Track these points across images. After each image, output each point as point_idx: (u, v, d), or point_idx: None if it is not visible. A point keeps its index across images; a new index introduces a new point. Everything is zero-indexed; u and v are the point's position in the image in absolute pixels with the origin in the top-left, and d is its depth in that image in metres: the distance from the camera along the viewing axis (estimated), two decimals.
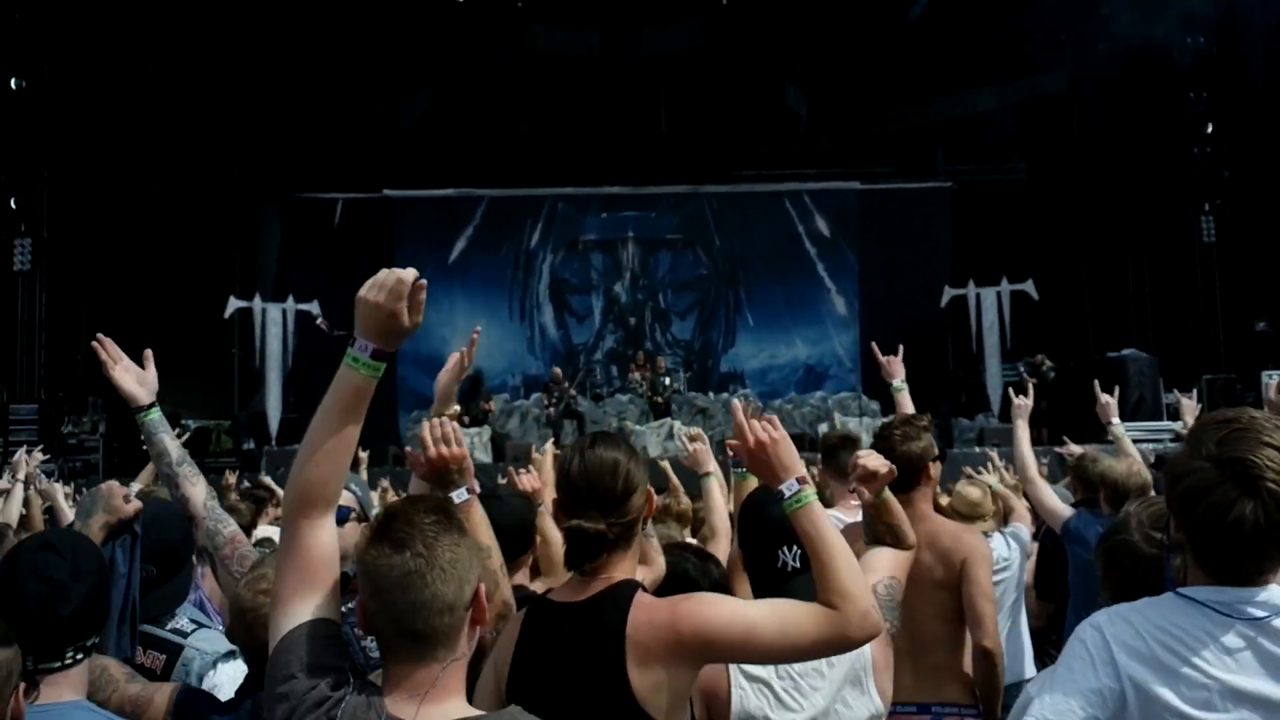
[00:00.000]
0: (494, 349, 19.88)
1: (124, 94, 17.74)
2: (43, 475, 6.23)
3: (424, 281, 1.89)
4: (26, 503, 5.35)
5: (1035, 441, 5.30)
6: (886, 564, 2.61)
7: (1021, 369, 16.65)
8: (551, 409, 16.45)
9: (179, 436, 2.98)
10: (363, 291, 1.89)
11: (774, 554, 2.73)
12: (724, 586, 2.91)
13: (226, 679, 2.67)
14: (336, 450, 1.91)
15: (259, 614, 2.22)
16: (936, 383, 18.59)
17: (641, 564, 2.50)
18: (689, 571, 2.92)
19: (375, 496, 6.13)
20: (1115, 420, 5.07)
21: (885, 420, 4.46)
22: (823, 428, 15.90)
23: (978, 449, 13.52)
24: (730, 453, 3.22)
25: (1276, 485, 1.75)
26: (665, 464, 6.43)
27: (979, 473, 5.61)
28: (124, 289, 18.05)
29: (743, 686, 2.59)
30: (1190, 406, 5.52)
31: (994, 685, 3.57)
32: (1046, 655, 4.70)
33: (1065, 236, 20.05)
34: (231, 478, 8.40)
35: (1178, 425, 14.16)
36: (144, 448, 3.01)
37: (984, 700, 3.59)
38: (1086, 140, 19.10)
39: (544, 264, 20.45)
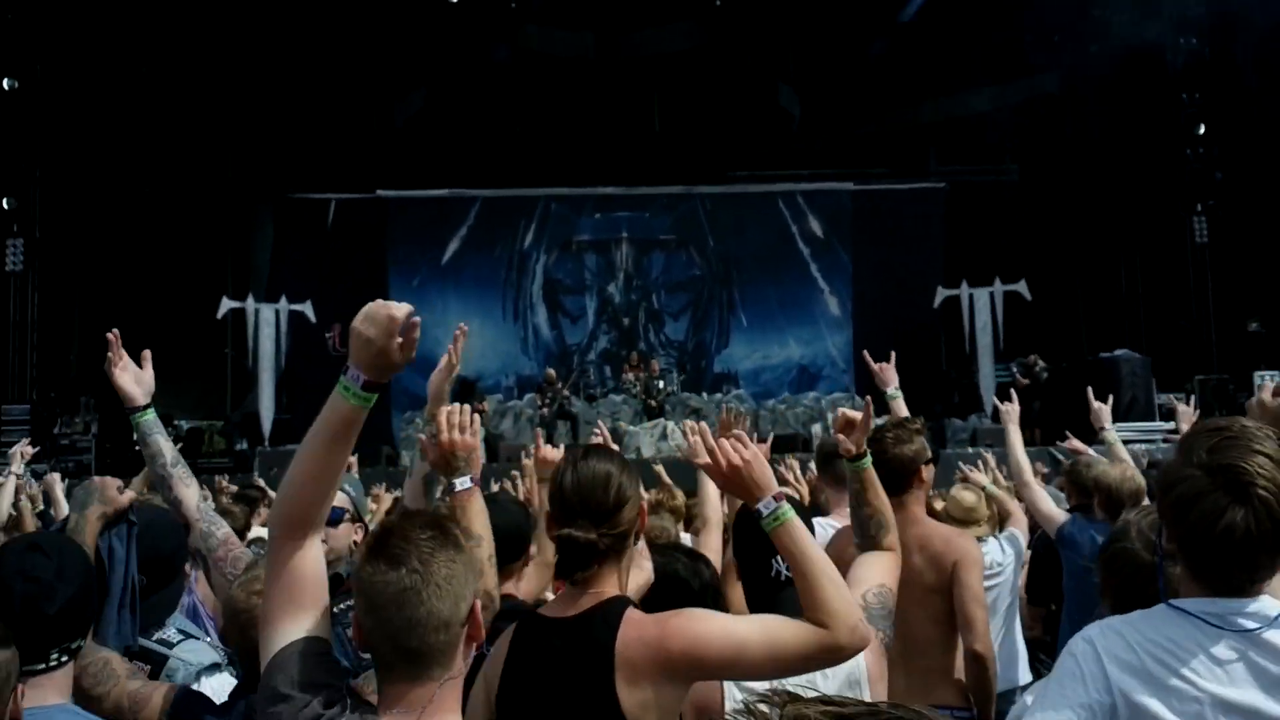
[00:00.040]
0: (488, 349, 19.87)
1: (116, 94, 17.70)
2: (32, 480, 6.20)
3: (418, 319, 1.86)
4: (18, 505, 5.34)
5: (1028, 442, 5.30)
6: (877, 571, 2.61)
7: (1014, 369, 16.69)
8: (545, 410, 16.44)
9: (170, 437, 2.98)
10: (356, 322, 1.87)
11: (767, 563, 2.72)
12: (715, 588, 2.91)
13: (210, 692, 2.67)
14: (322, 478, 1.89)
15: (253, 615, 2.22)
16: (930, 383, 18.61)
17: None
18: (679, 572, 2.92)
19: (370, 501, 6.12)
20: (1108, 426, 5.07)
21: (879, 423, 4.45)
22: (816, 428, 15.92)
23: (971, 449, 13.54)
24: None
25: (1267, 492, 1.75)
26: (659, 468, 6.41)
27: (974, 468, 5.59)
28: (116, 289, 17.99)
29: (736, 700, 2.58)
30: (1186, 413, 5.51)
31: (986, 689, 3.57)
32: (1039, 662, 4.70)
33: (1058, 237, 20.10)
34: (224, 482, 8.38)
35: (1170, 426, 14.23)
36: (136, 448, 3.01)
37: (977, 704, 3.59)
38: (1079, 141, 19.14)
39: (537, 264, 20.44)
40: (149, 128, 18.06)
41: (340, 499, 3.20)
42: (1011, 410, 4.82)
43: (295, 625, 1.84)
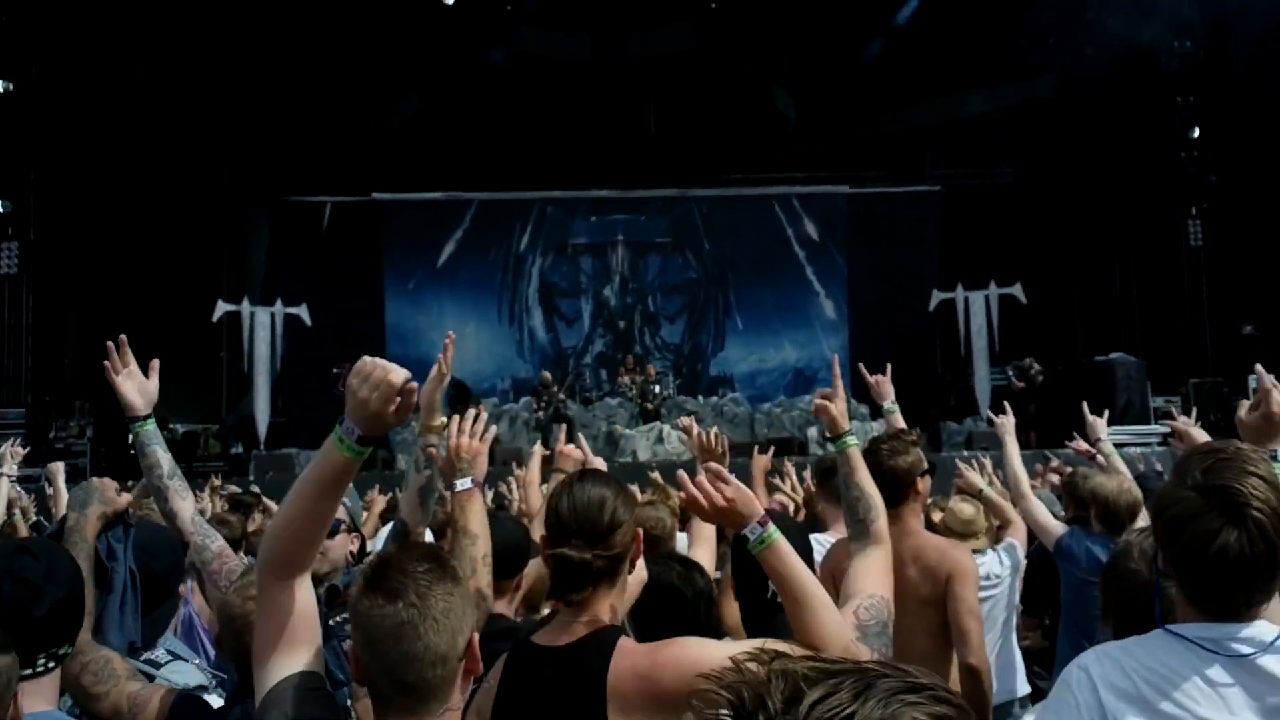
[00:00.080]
0: (483, 352, 19.88)
1: (111, 97, 17.67)
2: (23, 493, 6.17)
3: (414, 385, 1.85)
4: (11, 516, 5.31)
5: (1023, 446, 5.28)
6: (870, 580, 2.59)
7: (1010, 373, 16.70)
8: (541, 413, 16.42)
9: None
10: (351, 378, 1.84)
11: (763, 585, 2.71)
12: (708, 596, 2.91)
13: None
14: (311, 525, 1.88)
15: (248, 620, 2.22)
16: (925, 387, 18.63)
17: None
18: (674, 582, 2.92)
19: (363, 508, 6.12)
20: (1104, 438, 5.07)
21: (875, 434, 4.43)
22: (812, 431, 15.91)
23: (966, 453, 13.54)
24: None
25: (1261, 514, 1.75)
26: (656, 475, 6.41)
27: (970, 466, 5.56)
28: (111, 292, 17.97)
29: None
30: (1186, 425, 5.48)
31: (981, 702, 3.55)
32: (1033, 674, 4.70)
33: (1053, 240, 20.13)
34: (217, 480, 8.34)
35: (1165, 429, 14.25)
36: (132, 452, 3.01)
37: None
38: (1074, 144, 19.17)
39: (533, 267, 20.45)
40: (144, 130, 18.04)
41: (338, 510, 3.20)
42: (1007, 422, 4.80)
43: (288, 661, 1.84)
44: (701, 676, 0.93)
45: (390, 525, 4.27)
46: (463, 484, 2.59)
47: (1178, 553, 1.83)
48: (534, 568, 3.11)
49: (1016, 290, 17.60)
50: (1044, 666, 4.82)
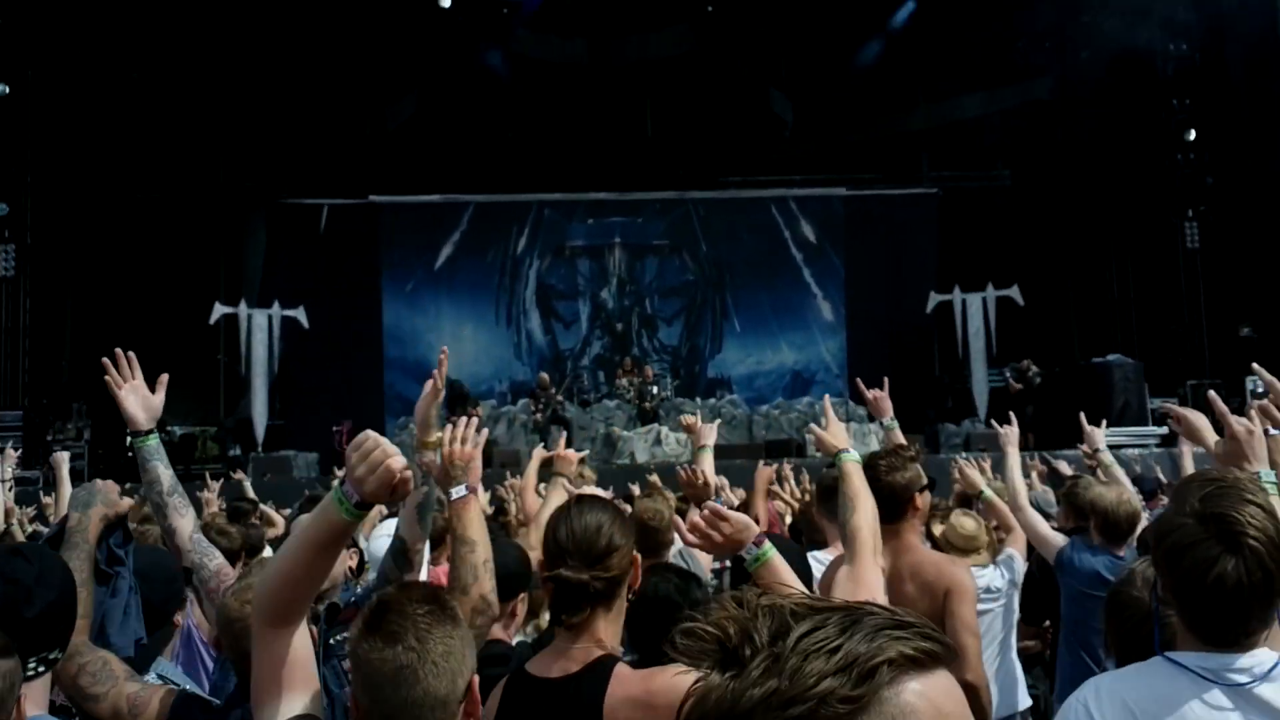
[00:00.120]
0: (480, 355, 19.87)
1: (108, 99, 17.67)
2: (16, 507, 6.16)
3: (409, 473, 1.84)
4: (9, 527, 5.30)
5: (1021, 448, 5.27)
6: (864, 591, 2.59)
7: (1007, 375, 16.71)
8: (538, 415, 16.41)
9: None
10: (351, 451, 1.84)
11: None
12: (704, 606, 2.91)
13: None
14: (308, 581, 1.89)
15: (246, 624, 2.22)
16: (923, 389, 18.64)
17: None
18: (671, 595, 2.92)
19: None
20: (1103, 449, 5.06)
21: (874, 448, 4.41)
22: (809, 432, 15.89)
23: (964, 455, 13.55)
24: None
25: (1258, 543, 1.76)
26: (654, 477, 6.41)
27: (969, 462, 5.55)
28: (108, 295, 17.97)
29: None
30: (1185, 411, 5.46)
31: (980, 719, 3.54)
32: (1030, 675, 4.69)
33: (1050, 242, 20.14)
34: (211, 495, 8.31)
35: (1163, 430, 14.26)
36: (129, 454, 3.00)
37: None
38: (1071, 146, 19.19)
39: (530, 270, 20.43)
40: (141, 133, 18.04)
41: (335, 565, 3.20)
42: (1011, 433, 4.78)
43: (286, 704, 1.85)
44: (688, 615, 0.94)
45: (387, 522, 4.28)
46: (458, 492, 2.58)
47: (1177, 580, 1.85)
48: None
49: (1014, 292, 17.62)
50: (1042, 673, 4.83)
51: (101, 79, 17.63)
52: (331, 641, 2.51)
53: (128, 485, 3.50)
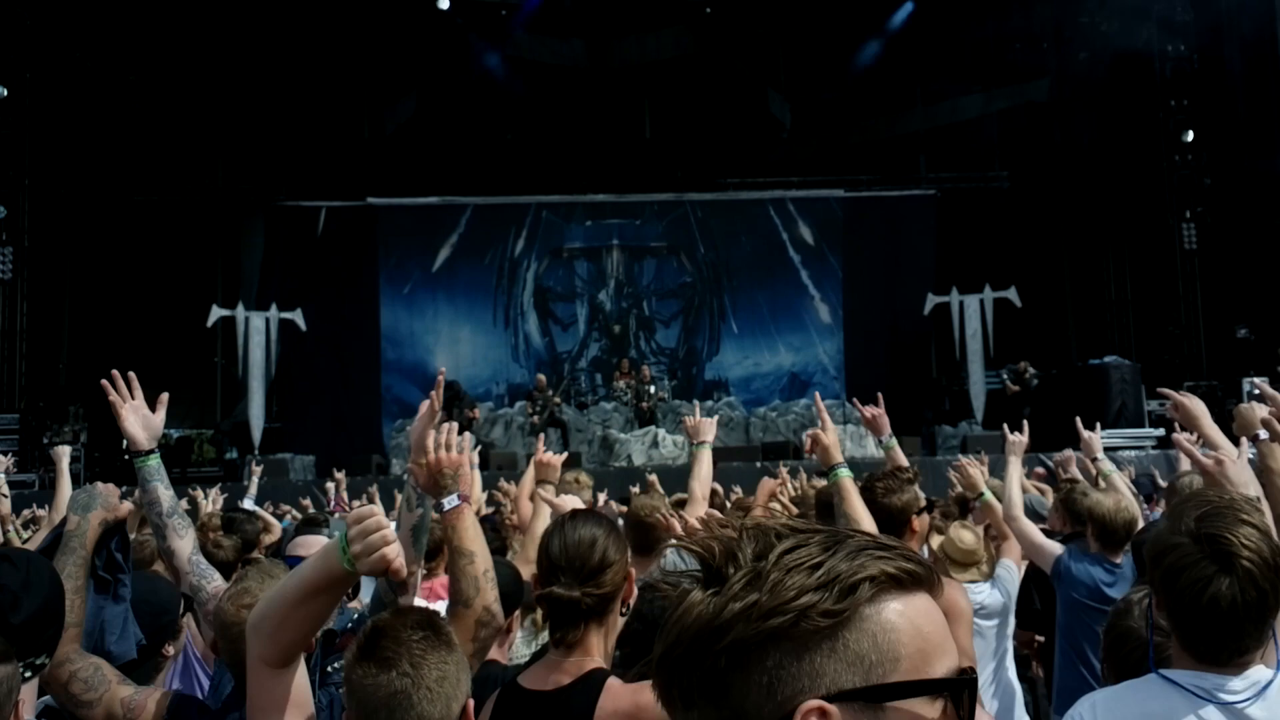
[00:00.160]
0: (478, 357, 19.86)
1: (106, 102, 17.68)
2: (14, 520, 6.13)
3: (402, 563, 1.82)
4: (6, 535, 5.28)
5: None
6: None
7: (1005, 376, 16.72)
8: (536, 417, 16.40)
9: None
10: (351, 523, 1.81)
11: None
12: None
13: None
14: (307, 624, 1.87)
15: (243, 628, 2.21)
16: (920, 390, 18.66)
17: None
18: (666, 613, 2.90)
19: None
20: (1101, 456, 5.05)
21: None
22: (807, 435, 15.89)
23: (962, 456, 13.56)
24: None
25: (1251, 563, 1.78)
26: (653, 477, 6.40)
27: (969, 461, 5.52)
28: (106, 298, 17.97)
29: None
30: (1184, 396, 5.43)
31: None
32: (1025, 679, 4.68)
33: (1048, 243, 20.16)
34: (207, 514, 8.29)
35: (1159, 432, 14.27)
36: (126, 457, 2.99)
37: None
38: (1069, 148, 19.21)
39: (528, 272, 20.42)
40: (138, 136, 18.04)
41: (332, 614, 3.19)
42: (1019, 442, 4.77)
43: None
44: (676, 537, 0.94)
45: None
46: (450, 502, 2.54)
47: (1172, 600, 1.87)
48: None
49: (1011, 294, 17.62)
50: (1031, 677, 4.82)
51: (99, 82, 17.63)
52: (329, 669, 2.50)
53: (125, 489, 3.49)
